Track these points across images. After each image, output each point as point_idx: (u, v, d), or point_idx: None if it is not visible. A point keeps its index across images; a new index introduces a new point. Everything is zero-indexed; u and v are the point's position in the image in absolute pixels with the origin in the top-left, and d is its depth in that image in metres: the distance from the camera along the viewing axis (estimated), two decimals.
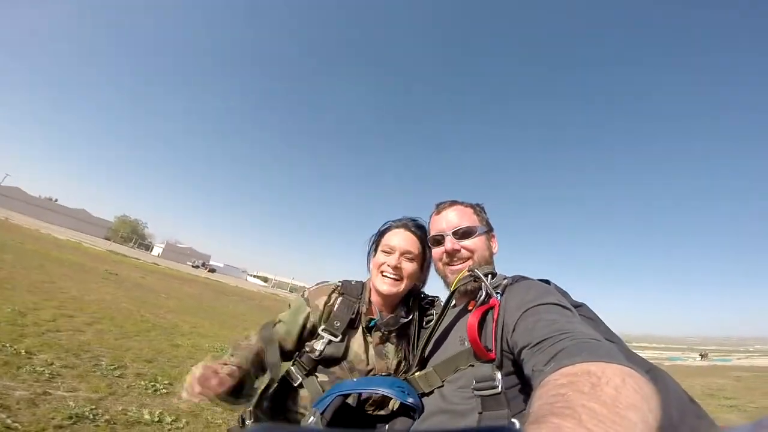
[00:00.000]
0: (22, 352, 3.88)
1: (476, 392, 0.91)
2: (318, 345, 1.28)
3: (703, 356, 46.24)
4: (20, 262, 10.43)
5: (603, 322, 1.00)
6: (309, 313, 1.32)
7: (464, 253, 1.20)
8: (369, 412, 1.22)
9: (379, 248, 1.40)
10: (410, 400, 1.04)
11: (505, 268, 1.20)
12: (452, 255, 1.20)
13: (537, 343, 0.75)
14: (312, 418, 1.04)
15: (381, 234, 1.44)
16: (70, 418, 2.84)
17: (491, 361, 0.93)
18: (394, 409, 1.17)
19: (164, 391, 3.98)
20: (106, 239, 68.90)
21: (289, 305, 1.39)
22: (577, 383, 0.50)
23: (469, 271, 1.12)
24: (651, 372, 0.83)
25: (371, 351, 1.34)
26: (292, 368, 1.32)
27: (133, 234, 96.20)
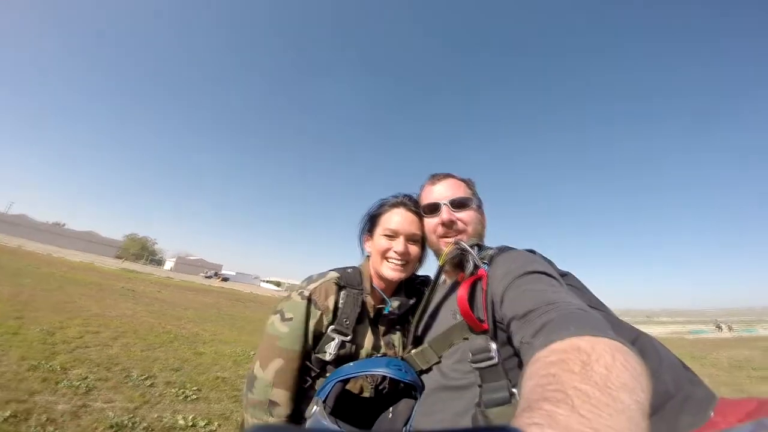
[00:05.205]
0: (57, 368, 4.05)
1: (473, 365, 0.89)
2: (330, 347, 1.17)
3: (718, 327, 44.40)
4: (39, 284, 10.68)
5: (589, 290, 0.97)
6: (321, 315, 1.18)
7: (460, 225, 1.17)
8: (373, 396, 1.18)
9: (378, 231, 1.29)
10: (409, 378, 1.03)
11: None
12: (448, 226, 1.17)
13: (524, 315, 0.74)
14: (315, 407, 1.01)
15: (377, 214, 1.32)
16: (112, 427, 2.97)
17: (485, 332, 0.91)
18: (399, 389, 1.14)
19: (194, 397, 4.13)
20: (117, 258, 69.81)
21: (283, 314, 1.18)
22: (567, 361, 0.50)
23: (455, 244, 1.10)
24: (639, 339, 0.82)
25: (381, 343, 1.27)
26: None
27: (143, 251, 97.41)
